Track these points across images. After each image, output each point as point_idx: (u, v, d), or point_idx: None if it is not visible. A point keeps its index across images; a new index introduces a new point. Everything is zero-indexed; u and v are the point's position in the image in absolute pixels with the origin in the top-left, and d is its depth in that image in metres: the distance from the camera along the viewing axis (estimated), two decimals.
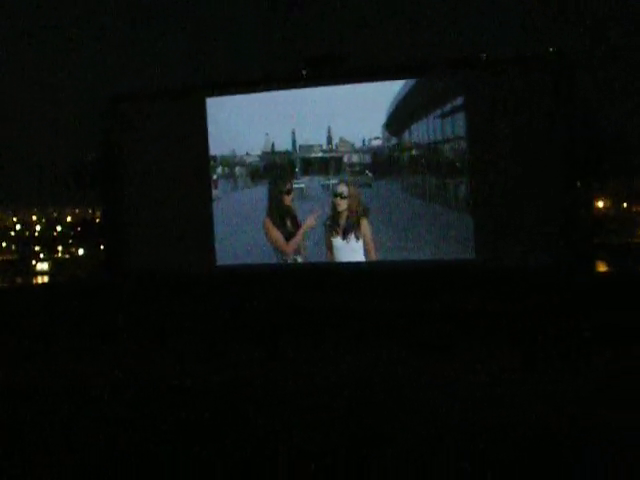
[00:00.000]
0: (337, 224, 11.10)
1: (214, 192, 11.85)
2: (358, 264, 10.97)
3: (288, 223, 11.31)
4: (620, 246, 18.29)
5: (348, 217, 11.05)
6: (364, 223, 11.02)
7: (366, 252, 11.01)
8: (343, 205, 11.05)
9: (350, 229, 11.03)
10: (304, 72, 11.38)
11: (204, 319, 8.46)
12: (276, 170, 11.59)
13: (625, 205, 29.87)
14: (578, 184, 10.26)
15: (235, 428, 3.93)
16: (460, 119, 10.50)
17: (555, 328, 6.67)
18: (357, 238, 11.00)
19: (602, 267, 12.75)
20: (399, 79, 10.85)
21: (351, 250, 11.03)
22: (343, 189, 11.13)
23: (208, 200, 11.79)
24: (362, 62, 11.49)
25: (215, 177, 11.88)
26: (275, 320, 8.04)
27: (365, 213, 11.03)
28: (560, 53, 10.30)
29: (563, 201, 10.08)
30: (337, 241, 11.09)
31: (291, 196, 11.37)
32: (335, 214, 11.09)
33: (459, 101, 10.50)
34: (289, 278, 10.94)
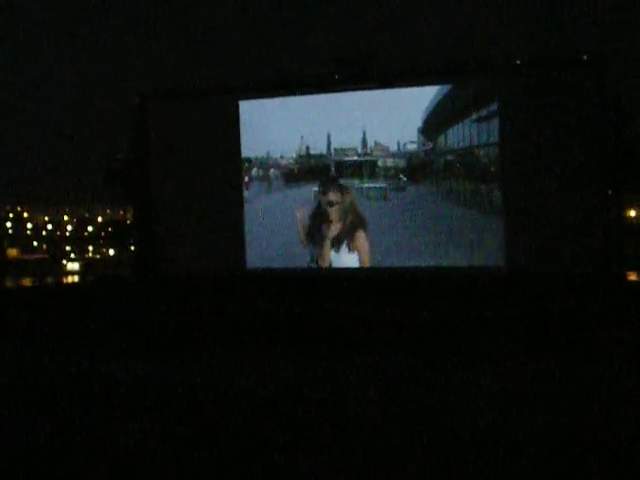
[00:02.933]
0: (333, 235, 10.75)
1: (246, 194, 11.83)
2: (393, 270, 10.73)
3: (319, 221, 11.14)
4: None
5: (342, 228, 10.68)
6: (360, 235, 10.65)
7: (361, 265, 10.69)
8: (333, 214, 10.78)
9: (342, 240, 10.71)
10: (336, 76, 11.34)
11: (232, 321, 8.50)
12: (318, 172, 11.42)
13: None
14: (610, 192, 10.07)
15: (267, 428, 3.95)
16: (494, 124, 10.41)
17: (585, 336, 6.60)
18: (350, 250, 10.63)
19: (633, 276, 12.51)
20: (433, 84, 10.82)
21: (341, 263, 10.76)
22: (332, 197, 10.82)
23: (240, 202, 11.79)
24: (397, 67, 11.38)
25: (248, 179, 11.87)
26: (300, 324, 8.05)
27: (361, 223, 10.66)
28: (598, 56, 10.11)
29: (596, 209, 9.93)
30: (330, 252, 10.81)
31: (328, 197, 11.14)
32: (328, 223, 10.81)
33: (493, 106, 10.41)
34: (317, 283, 10.85)
